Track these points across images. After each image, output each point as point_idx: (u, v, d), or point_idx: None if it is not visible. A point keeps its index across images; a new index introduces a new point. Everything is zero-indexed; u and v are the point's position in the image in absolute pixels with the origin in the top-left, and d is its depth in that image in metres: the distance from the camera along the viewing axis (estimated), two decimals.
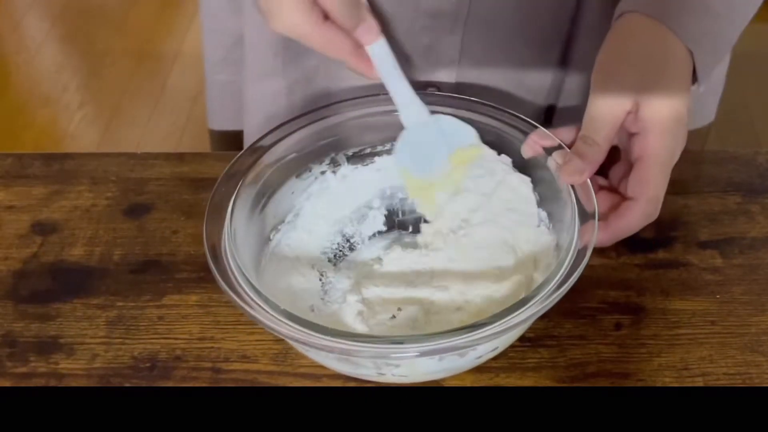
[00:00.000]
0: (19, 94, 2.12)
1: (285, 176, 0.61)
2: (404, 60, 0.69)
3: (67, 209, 0.68)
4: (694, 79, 0.60)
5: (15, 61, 2.22)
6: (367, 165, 0.64)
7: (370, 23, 0.58)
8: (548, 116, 0.77)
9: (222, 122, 0.87)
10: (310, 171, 0.63)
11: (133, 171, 0.71)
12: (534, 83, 0.74)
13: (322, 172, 0.63)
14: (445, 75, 0.72)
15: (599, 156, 0.57)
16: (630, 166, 0.58)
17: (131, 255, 0.64)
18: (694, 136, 0.79)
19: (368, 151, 0.64)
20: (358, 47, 0.59)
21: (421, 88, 0.62)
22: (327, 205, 0.63)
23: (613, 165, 0.61)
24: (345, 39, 0.58)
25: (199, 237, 0.64)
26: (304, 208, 0.63)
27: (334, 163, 0.63)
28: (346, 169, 0.64)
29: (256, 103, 0.78)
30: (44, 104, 2.07)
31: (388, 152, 0.64)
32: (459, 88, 0.72)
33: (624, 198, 0.58)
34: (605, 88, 0.58)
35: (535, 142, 0.58)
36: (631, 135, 0.58)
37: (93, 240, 0.65)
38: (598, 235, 0.53)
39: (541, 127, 0.59)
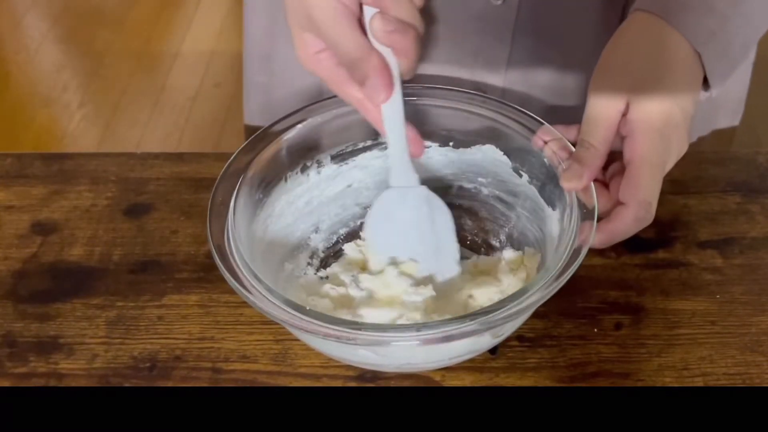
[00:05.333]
0: (19, 94, 2.12)
1: (283, 171, 0.61)
2: (455, 61, 0.70)
3: (67, 209, 0.68)
4: (707, 83, 0.58)
5: (15, 61, 2.22)
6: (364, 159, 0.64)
7: (379, 80, 0.53)
8: None
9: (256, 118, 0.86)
10: (306, 165, 0.62)
11: (133, 171, 0.71)
12: (579, 88, 0.72)
13: (318, 167, 0.63)
14: (494, 78, 0.71)
15: (597, 160, 0.55)
16: (624, 169, 0.56)
17: (131, 255, 0.64)
18: (717, 136, 0.79)
19: (360, 146, 0.63)
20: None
21: (469, 88, 0.62)
22: (325, 201, 0.64)
23: (611, 164, 0.59)
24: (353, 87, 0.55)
25: (198, 237, 0.65)
26: (303, 203, 0.63)
27: (332, 158, 0.63)
28: (340, 164, 0.64)
29: (288, 101, 0.77)
30: (44, 104, 2.07)
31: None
32: (505, 92, 0.72)
33: (617, 202, 0.56)
34: (601, 88, 0.57)
35: (540, 139, 0.57)
36: (623, 138, 0.57)
37: (93, 240, 0.65)
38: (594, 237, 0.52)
39: (546, 124, 0.58)
